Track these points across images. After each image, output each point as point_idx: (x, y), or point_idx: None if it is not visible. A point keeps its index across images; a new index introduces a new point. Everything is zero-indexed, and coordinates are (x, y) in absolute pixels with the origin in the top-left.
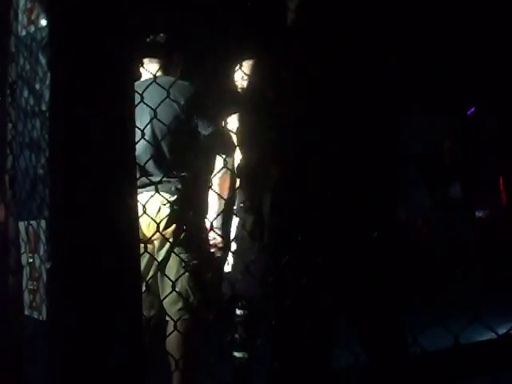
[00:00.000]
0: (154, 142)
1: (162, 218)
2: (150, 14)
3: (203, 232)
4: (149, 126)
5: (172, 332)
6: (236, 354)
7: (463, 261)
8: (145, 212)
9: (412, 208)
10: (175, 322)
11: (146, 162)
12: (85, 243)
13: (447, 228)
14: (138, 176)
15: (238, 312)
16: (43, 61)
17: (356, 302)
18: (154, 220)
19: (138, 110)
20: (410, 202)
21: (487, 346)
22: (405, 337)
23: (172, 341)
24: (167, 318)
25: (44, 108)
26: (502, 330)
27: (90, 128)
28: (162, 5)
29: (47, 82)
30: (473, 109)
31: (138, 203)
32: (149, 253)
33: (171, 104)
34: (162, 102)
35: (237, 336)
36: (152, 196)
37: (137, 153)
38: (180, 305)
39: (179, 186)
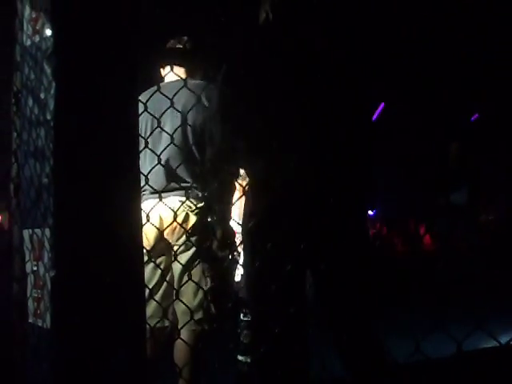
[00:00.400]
0: (185, 146)
1: (188, 224)
2: (162, 19)
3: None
4: (179, 129)
5: (180, 340)
6: (240, 357)
7: (467, 264)
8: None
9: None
10: (178, 331)
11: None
12: (89, 251)
13: (450, 232)
14: (165, 180)
15: (242, 317)
16: (48, 70)
17: (331, 309)
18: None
19: (167, 113)
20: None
21: (490, 353)
22: (381, 345)
23: (181, 349)
24: (180, 327)
25: (49, 117)
26: (504, 337)
27: (94, 137)
28: (175, 9)
29: (52, 92)
30: (476, 115)
31: (166, 207)
32: (157, 265)
33: (202, 107)
34: (168, 103)
35: (241, 340)
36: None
37: (167, 156)
38: (199, 315)
39: (206, 193)
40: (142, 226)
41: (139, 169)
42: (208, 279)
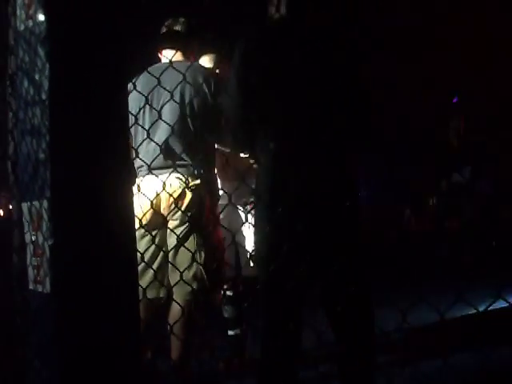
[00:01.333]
0: (183, 124)
1: (184, 200)
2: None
3: (218, 217)
4: (178, 108)
5: (174, 310)
6: (230, 332)
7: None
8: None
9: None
10: (172, 301)
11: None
12: (84, 220)
13: (452, 215)
14: (163, 158)
15: (227, 292)
16: (42, 53)
17: (323, 278)
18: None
19: (166, 93)
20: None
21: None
22: (371, 314)
23: (175, 318)
24: (175, 298)
25: (44, 97)
26: None
27: (87, 114)
28: None
29: (46, 73)
30: (456, 98)
31: (162, 182)
32: (153, 237)
33: (201, 87)
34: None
35: (227, 316)
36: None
37: (166, 135)
38: (194, 286)
39: (202, 171)
40: (132, 199)
41: (129, 144)
42: (202, 253)
